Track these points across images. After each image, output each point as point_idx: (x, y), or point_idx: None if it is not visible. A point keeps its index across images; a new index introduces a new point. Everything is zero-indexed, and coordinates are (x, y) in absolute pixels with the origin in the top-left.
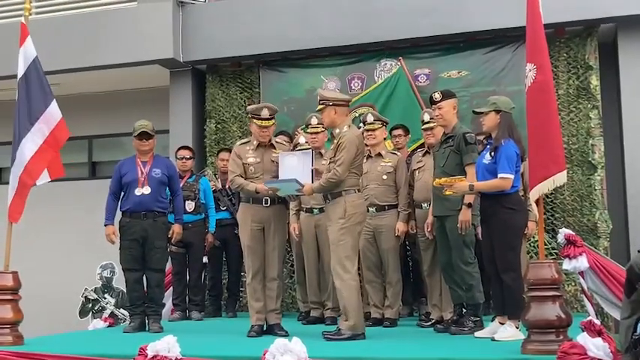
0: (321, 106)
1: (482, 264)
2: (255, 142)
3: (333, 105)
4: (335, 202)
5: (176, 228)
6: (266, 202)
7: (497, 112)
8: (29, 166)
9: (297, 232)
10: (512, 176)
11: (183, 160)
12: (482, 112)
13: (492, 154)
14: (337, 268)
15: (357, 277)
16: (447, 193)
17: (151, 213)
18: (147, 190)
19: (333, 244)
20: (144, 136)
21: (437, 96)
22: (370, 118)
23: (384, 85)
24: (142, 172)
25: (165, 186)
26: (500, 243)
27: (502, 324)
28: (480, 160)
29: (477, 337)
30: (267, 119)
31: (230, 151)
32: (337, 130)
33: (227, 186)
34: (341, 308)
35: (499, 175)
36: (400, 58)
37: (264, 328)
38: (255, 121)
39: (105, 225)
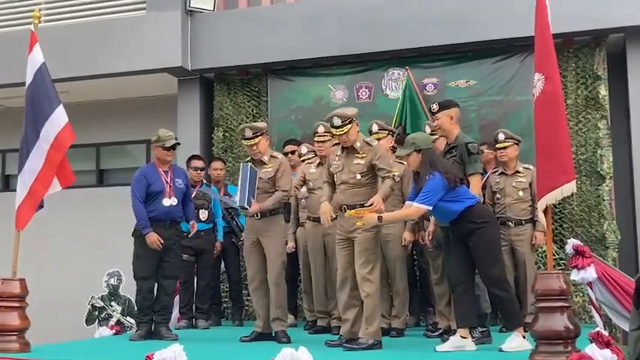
0: (348, 126)
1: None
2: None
3: (356, 121)
4: None
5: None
6: (257, 215)
7: (418, 151)
8: (41, 175)
9: (291, 247)
10: (425, 207)
11: (198, 171)
12: (406, 155)
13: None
14: (368, 276)
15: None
16: (358, 224)
17: (174, 222)
18: (174, 201)
19: (366, 252)
20: (173, 147)
21: (434, 107)
22: (375, 128)
23: (402, 101)
24: (167, 183)
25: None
26: (484, 259)
27: (464, 337)
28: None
29: (438, 351)
30: (250, 139)
31: (222, 160)
32: (359, 144)
33: (222, 194)
34: (366, 316)
35: (413, 203)
36: (407, 67)
37: (258, 336)
38: (243, 141)
39: (145, 234)
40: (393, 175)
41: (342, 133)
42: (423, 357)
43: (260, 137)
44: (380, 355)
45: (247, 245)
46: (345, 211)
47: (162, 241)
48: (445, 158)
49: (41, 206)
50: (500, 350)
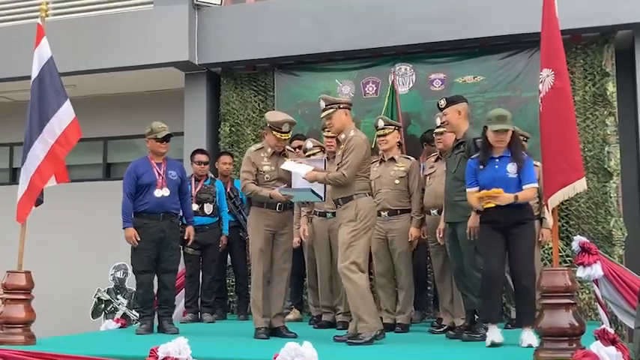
0: (331, 110)
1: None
2: (269, 150)
3: (343, 108)
4: (347, 207)
5: (190, 230)
6: (279, 208)
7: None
8: (41, 168)
9: (307, 235)
10: (537, 186)
11: (202, 165)
12: (505, 131)
13: (518, 168)
14: (346, 271)
15: (367, 277)
16: (489, 205)
17: (169, 214)
18: (166, 192)
19: (344, 246)
20: (165, 138)
21: (442, 102)
22: (381, 123)
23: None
24: (160, 174)
25: (178, 188)
26: (527, 251)
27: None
28: (502, 172)
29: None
30: (287, 132)
31: (231, 154)
32: (343, 136)
33: (228, 189)
34: (353, 311)
35: (530, 185)
36: (393, 79)
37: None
38: (274, 133)
39: (124, 228)
40: (342, 174)
41: (326, 115)
42: (427, 353)
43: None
44: (384, 351)
45: (266, 236)
46: (338, 205)
47: (139, 238)
48: (453, 154)
49: (40, 201)
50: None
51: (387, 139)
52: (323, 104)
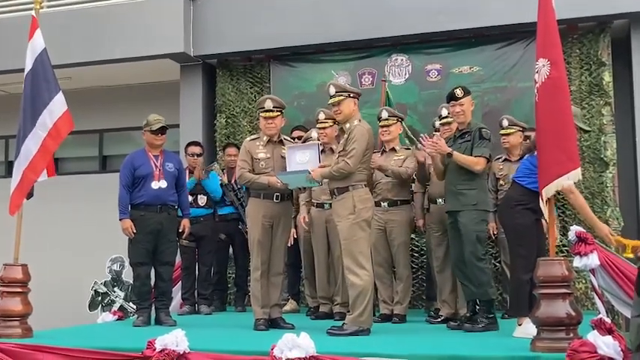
0: (340, 98)
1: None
2: (265, 138)
3: (353, 97)
4: (342, 198)
5: (186, 222)
6: (277, 198)
7: None
8: (34, 162)
9: (307, 220)
10: None
11: (194, 157)
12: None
13: None
14: (352, 265)
15: (371, 274)
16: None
17: (166, 206)
18: (163, 184)
19: (346, 241)
20: (160, 130)
21: (459, 92)
22: (385, 114)
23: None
24: (157, 166)
25: (175, 180)
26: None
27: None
28: None
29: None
30: (271, 111)
31: (237, 146)
32: (347, 125)
33: (233, 180)
34: (350, 302)
35: None
36: (383, 79)
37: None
38: (260, 113)
39: (120, 219)
40: (345, 162)
41: (334, 102)
42: (425, 343)
43: (280, 113)
44: (381, 341)
45: (264, 227)
46: (334, 195)
47: (136, 230)
48: (457, 143)
49: (31, 195)
50: None
51: (391, 130)
52: (333, 90)
